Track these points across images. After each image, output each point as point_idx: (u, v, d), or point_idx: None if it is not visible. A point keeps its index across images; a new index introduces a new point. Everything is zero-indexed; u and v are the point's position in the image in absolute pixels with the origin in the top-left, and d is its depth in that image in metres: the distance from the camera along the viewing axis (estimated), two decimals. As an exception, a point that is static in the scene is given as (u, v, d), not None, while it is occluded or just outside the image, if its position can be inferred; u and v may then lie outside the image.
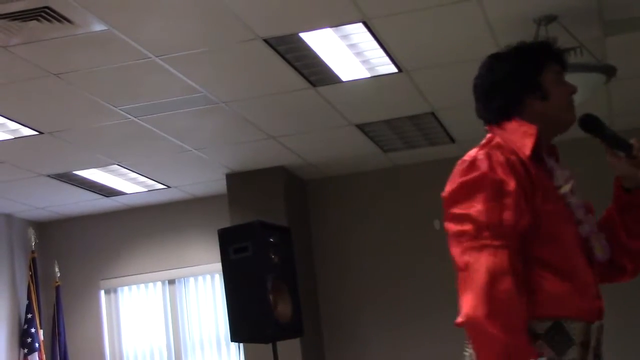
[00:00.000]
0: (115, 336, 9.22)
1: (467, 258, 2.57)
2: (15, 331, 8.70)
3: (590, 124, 2.85)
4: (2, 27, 4.93)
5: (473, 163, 2.69)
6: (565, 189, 2.76)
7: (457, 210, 2.63)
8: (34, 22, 4.90)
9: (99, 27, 5.10)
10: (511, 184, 2.63)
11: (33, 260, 8.82)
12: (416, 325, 8.46)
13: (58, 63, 5.55)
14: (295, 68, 6.05)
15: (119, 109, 6.46)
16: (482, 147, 2.76)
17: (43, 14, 4.82)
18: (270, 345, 6.66)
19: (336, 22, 5.46)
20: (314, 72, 6.17)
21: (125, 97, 6.27)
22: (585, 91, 5.45)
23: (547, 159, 2.82)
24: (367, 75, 6.35)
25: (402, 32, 5.71)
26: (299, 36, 5.57)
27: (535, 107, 2.80)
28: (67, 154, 7.31)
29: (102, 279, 9.23)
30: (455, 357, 9.54)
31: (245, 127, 7.15)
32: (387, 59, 6.08)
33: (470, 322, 2.53)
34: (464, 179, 2.67)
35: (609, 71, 5.82)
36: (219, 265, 6.89)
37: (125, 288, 9.27)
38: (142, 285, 9.23)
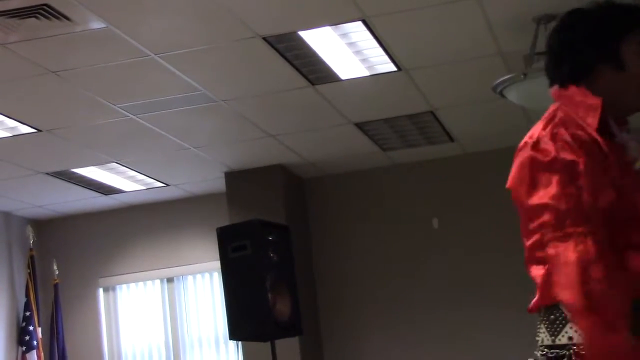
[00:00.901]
0: (113, 334, 9.22)
1: (552, 251, 2.41)
2: (14, 329, 8.70)
3: None
4: (0, 25, 4.92)
5: (537, 144, 2.48)
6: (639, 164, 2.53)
7: (531, 201, 2.46)
8: (33, 19, 4.89)
9: (97, 24, 5.09)
10: (582, 163, 2.43)
11: (31, 258, 8.82)
12: (415, 324, 8.45)
13: (57, 61, 5.54)
14: (295, 66, 6.04)
15: (118, 107, 6.45)
16: (546, 124, 2.54)
17: (41, 11, 4.80)
18: (268, 344, 6.65)
19: (335, 20, 5.45)
20: (313, 70, 6.17)
21: (124, 95, 6.26)
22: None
23: (618, 132, 2.57)
24: (367, 73, 6.34)
25: (402, 31, 5.70)
26: (298, 34, 5.56)
27: (607, 76, 2.56)
28: (66, 151, 7.30)
29: (101, 277, 9.23)
30: (455, 356, 9.57)
31: (244, 125, 7.14)
32: (386, 58, 6.08)
33: (572, 312, 2.40)
34: (533, 162, 2.47)
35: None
36: (217, 264, 6.88)
37: (124, 286, 9.26)
38: (140, 283, 9.23)
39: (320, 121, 7.28)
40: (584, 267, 2.37)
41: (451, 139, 8.10)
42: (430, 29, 5.73)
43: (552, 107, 2.60)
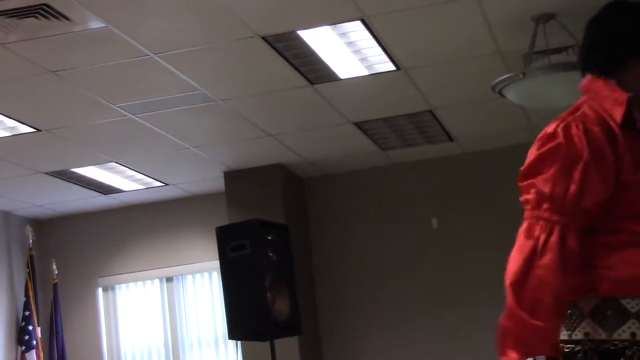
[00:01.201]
0: (112, 334, 9.22)
1: (524, 226, 2.49)
2: (13, 329, 8.70)
3: None
4: (0, 24, 4.92)
5: (552, 135, 2.53)
6: None
7: (528, 180, 2.53)
8: (32, 19, 4.89)
9: (96, 24, 5.09)
10: (584, 158, 2.48)
11: (31, 257, 8.81)
12: (414, 324, 8.45)
13: (56, 60, 5.54)
14: (294, 66, 6.04)
15: (117, 107, 6.45)
16: (566, 116, 2.58)
17: (41, 11, 4.81)
18: (267, 344, 6.66)
19: (334, 19, 5.46)
20: (312, 69, 6.17)
21: (123, 94, 6.26)
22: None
23: None
24: (365, 73, 6.34)
25: (401, 30, 5.70)
26: (297, 34, 5.56)
27: (636, 71, 2.59)
28: (65, 151, 7.31)
29: (100, 277, 9.23)
30: (455, 356, 9.55)
31: (243, 124, 7.14)
32: (385, 57, 6.08)
33: (506, 284, 2.49)
34: (541, 150, 2.53)
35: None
36: (216, 263, 6.89)
37: (123, 285, 9.26)
38: (139, 283, 9.23)
39: (319, 120, 7.28)
40: (538, 251, 2.45)
41: (450, 139, 8.10)
42: (429, 28, 5.73)
43: (579, 101, 2.63)
